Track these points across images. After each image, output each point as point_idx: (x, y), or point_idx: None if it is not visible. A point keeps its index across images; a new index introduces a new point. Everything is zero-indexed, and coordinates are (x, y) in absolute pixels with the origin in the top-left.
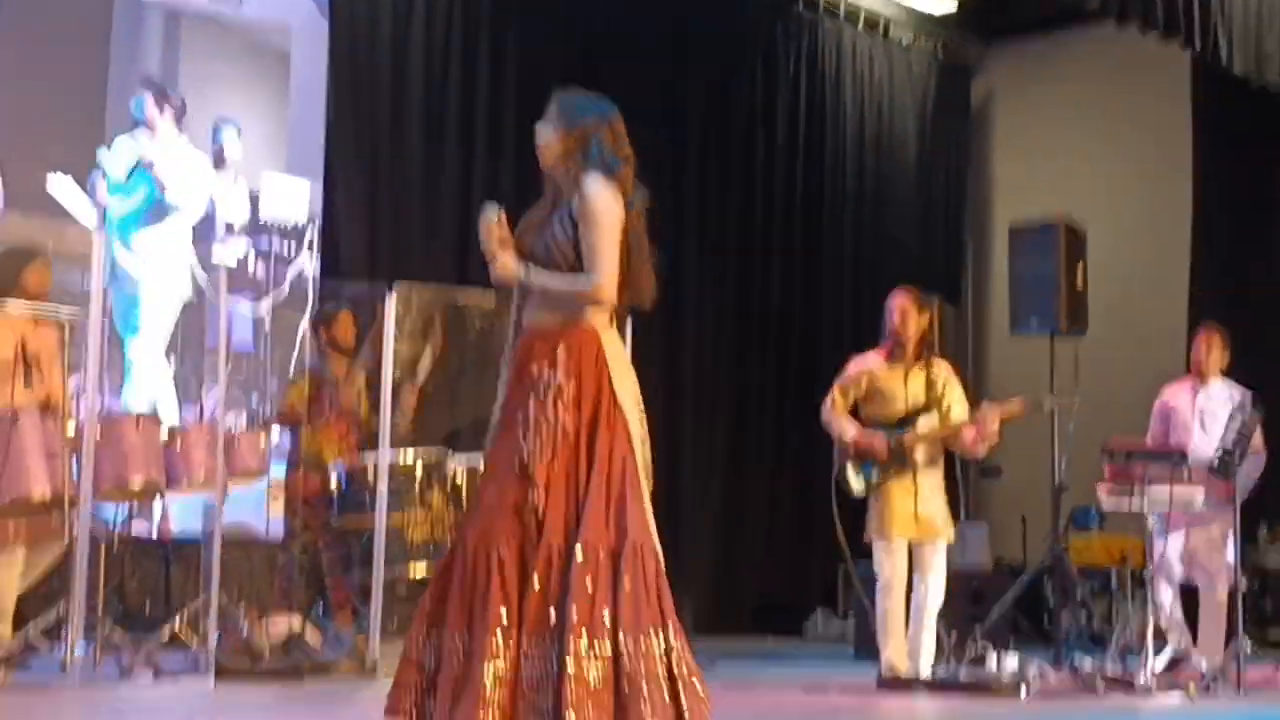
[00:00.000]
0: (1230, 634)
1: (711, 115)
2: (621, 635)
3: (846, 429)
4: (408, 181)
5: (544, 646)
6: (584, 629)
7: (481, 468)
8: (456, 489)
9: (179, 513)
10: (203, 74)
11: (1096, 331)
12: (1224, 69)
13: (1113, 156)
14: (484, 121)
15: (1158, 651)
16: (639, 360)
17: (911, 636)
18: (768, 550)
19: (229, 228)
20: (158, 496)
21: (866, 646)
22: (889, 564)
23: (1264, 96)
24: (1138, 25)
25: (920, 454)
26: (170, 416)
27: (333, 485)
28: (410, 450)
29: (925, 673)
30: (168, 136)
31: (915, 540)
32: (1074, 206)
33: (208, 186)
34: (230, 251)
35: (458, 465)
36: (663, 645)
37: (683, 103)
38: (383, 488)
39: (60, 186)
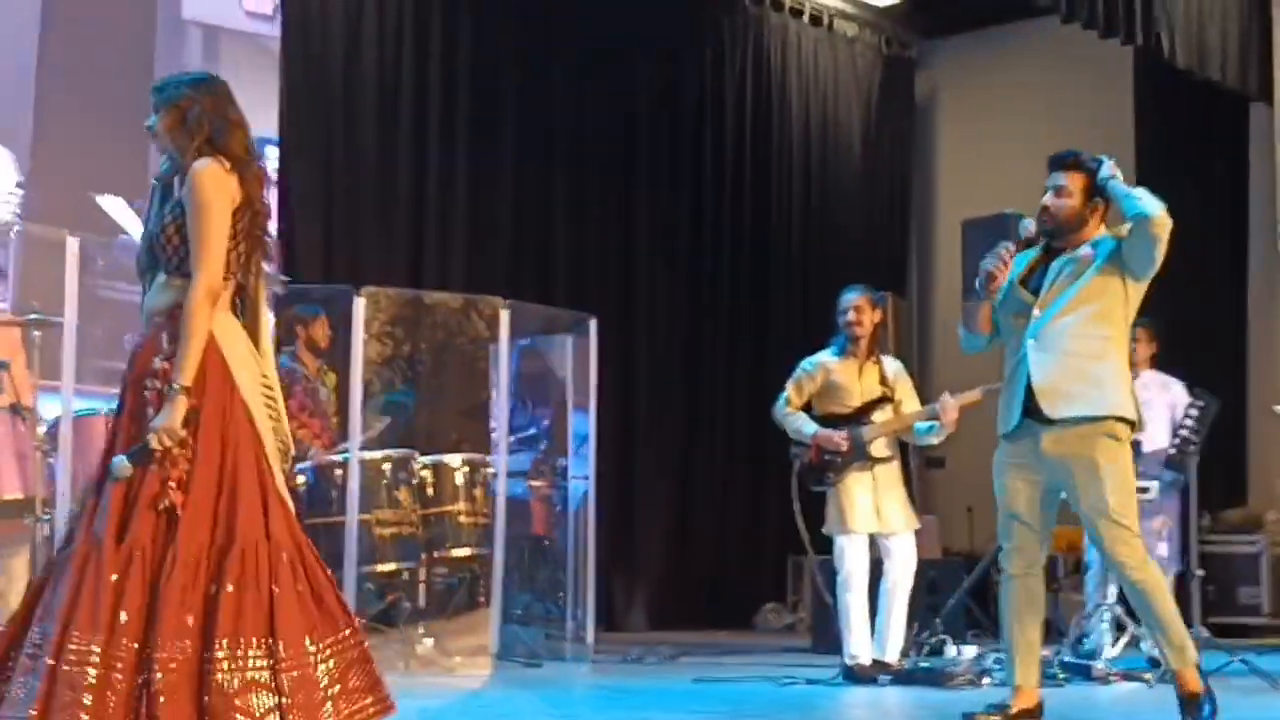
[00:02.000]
0: (1185, 623)
1: (659, 110)
2: (212, 642)
3: (806, 426)
4: (361, 183)
5: (126, 653)
6: (169, 636)
7: (446, 465)
8: (424, 486)
9: None
10: (242, 91)
11: None
12: (1167, 63)
13: (1056, 148)
14: (436, 122)
15: (1114, 640)
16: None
17: (881, 624)
18: (718, 544)
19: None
20: None
21: (824, 639)
22: (850, 557)
23: (1206, 89)
24: (1082, 22)
25: (878, 447)
26: None
27: (301, 484)
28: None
29: (894, 659)
30: None
31: (877, 532)
32: (1017, 199)
33: None
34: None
35: (424, 463)
36: (265, 656)
37: (631, 98)
38: (354, 485)
39: (110, 204)
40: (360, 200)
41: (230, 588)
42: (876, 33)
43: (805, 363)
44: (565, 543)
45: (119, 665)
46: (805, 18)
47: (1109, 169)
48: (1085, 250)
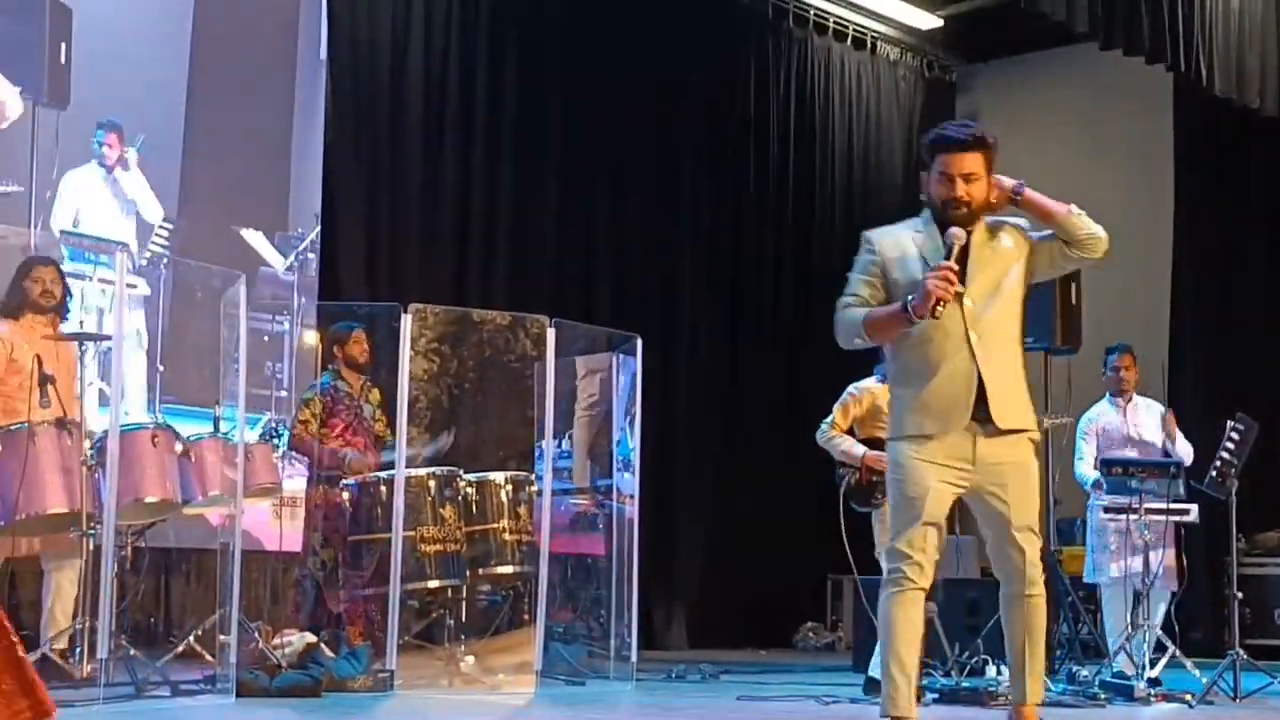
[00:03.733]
0: (1226, 645)
1: (703, 131)
2: None
3: (854, 448)
4: (406, 201)
5: None
6: None
7: (490, 482)
8: (469, 503)
9: (177, 524)
10: None
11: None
12: (1206, 89)
13: (1095, 174)
14: (481, 140)
15: (1154, 661)
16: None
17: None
18: (758, 563)
19: None
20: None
21: (865, 658)
22: None
23: (1245, 116)
24: (1123, 48)
25: None
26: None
27: (347, 500)
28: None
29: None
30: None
31: None
32: None
33: None
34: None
35: (469, 480)
36: None
37: (675, 120)
38: (399, 502)
39: (253, 238)
40: (404, 219)
41: None
42: (918, 56)
43: (852, 387)
44: (608, 561)
45: None
46: (849, 41)
47: (1020, 184)
48: (1005, 243)
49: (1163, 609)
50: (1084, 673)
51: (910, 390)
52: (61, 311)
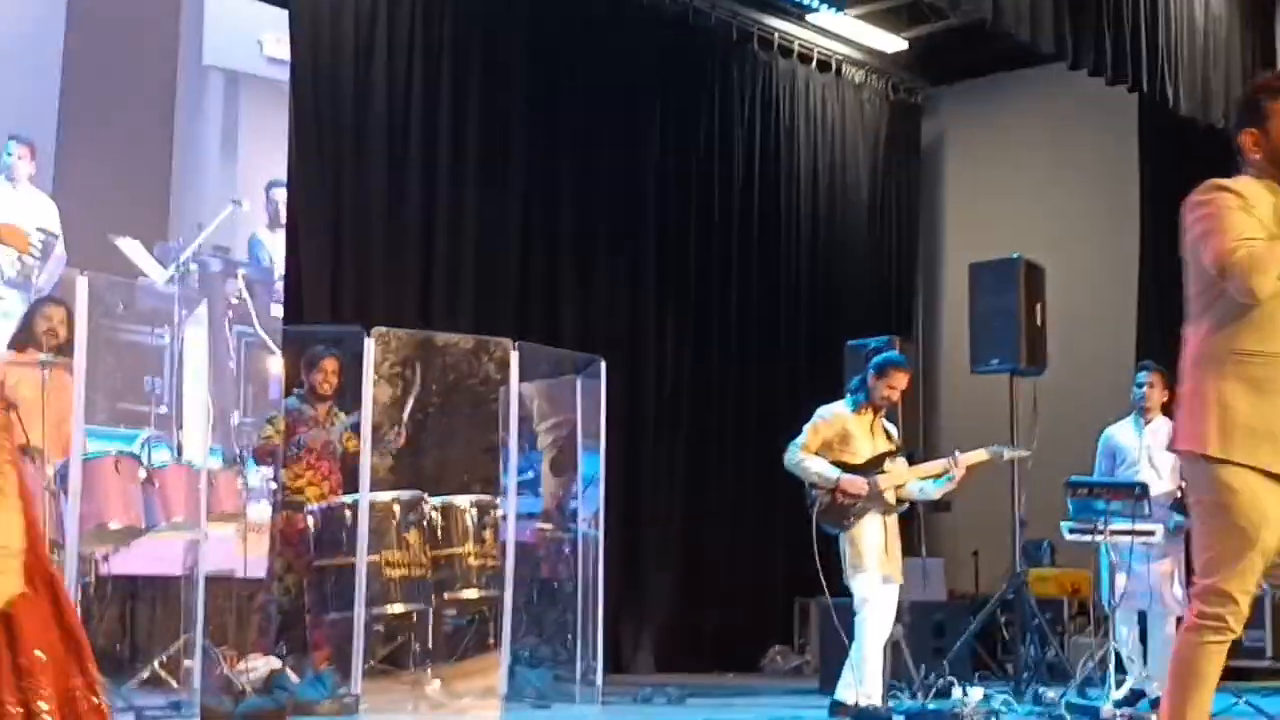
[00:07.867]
0: None
1: (668, 154)
2: None
3: (828, 469)
4: (369, 224)
5: None
6: None
7: (455, 507)
8: (433, 528)
9: (143, 551)
10: (261, 135)
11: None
12: (1171, 110)
13: (1061, 195)
14: (445, 163)
15: (1119, 683)
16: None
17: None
18: (725, 587)
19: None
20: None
21: (832, 680)
22: (874, 596)
23: (1209, 135)
24: (1088, 69)
25: (891, 496)
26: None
27: (311, 525)
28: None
29: (878, 701)
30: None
31: (886, 575)
32: (1023, 245)
33: None
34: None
35: (434, 504)
36: None
37: (640, 142)
38: (363, 527)
39: (129, 246)
40: (369, 241)
41: None
42: (883, 78)
43: (822, 410)
44: (574, 585)
45: None
46: (813, 64)
47: None
48: None
49: (1163, 631)
50: (1050, 694)
51: (1249, 406)
52: (68, 353)
